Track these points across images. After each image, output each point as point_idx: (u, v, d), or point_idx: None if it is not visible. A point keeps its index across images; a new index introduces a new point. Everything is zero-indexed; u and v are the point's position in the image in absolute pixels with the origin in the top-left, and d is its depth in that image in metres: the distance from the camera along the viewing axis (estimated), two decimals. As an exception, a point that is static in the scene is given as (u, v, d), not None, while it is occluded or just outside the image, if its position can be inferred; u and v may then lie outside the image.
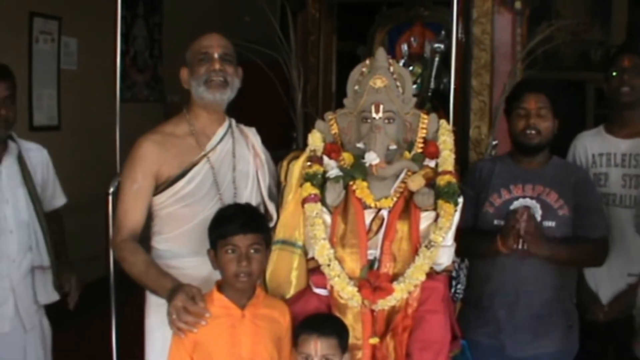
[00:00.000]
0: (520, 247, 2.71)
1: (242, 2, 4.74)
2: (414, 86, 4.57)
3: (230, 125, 2.81)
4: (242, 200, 2.65)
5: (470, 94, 4.22)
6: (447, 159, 2.59)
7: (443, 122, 2.67)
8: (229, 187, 2.70)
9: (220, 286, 2.38)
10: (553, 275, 2.81)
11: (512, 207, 2.80)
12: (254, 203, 2.70)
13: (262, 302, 2.41)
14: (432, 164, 2.60)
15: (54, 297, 3.03)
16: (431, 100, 4.52)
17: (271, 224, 2.69)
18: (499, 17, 4.35)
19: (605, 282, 3.12)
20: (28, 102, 5.23)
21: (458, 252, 3.10)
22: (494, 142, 3.92)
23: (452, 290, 2.95)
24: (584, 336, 2.95)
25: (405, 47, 4.73)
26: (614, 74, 3.11)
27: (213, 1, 6.01)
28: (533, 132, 2.82)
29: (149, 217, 2.69)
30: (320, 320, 2.43)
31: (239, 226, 2.32)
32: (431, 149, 2.60)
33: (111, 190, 3.12)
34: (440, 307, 2.52)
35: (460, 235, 2.70)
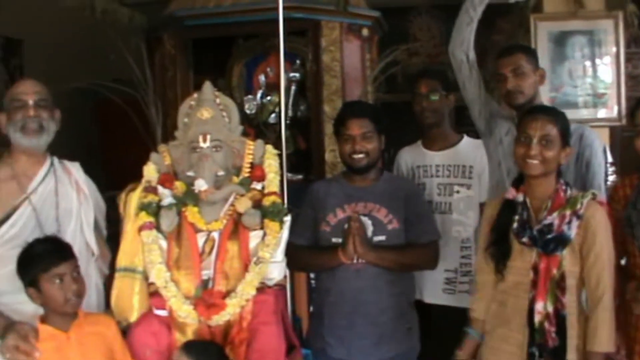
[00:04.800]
0: (356, 260, 2.92)
1: (106, 41, 4.80)
2: (272, 115, 4.78)
3: (52, 164, 2.90)
4: (67, 236, 2.75)
5: (324, 119, 4.47)
6: (272, 181, 2.81)
7: (269, 147, 2.89)
8: (52, 225, 2.79)
9: (43, 319, 2.51)
10: (390, 284, 2.99)
11: (346, 227, 2.97)
12: (78, 238, 2.82)
13: (84, 321, 2.54)
14: (259, 186, 2.81)
15: None
16: (290, 128, 4.72)
17: (94, 257, 2.86)
18: (347, 44, 4.62)
19: (427, 281, 3.37)
20: None
21: (299, 268, 3.31)
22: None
23: None
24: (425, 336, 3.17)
25: (262, 77, 4.89)
26: (417, 97, 3.37)
27: (76, 40, 6.03)
28: (360, 155, 2.99)
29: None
30: (201, 347, 2.59)
31: (58, 256, 2.49)
32: (257, 173, 2.82)
33: None
34: (272, 318, 2.71)
35: (301, 253, 2.94)
